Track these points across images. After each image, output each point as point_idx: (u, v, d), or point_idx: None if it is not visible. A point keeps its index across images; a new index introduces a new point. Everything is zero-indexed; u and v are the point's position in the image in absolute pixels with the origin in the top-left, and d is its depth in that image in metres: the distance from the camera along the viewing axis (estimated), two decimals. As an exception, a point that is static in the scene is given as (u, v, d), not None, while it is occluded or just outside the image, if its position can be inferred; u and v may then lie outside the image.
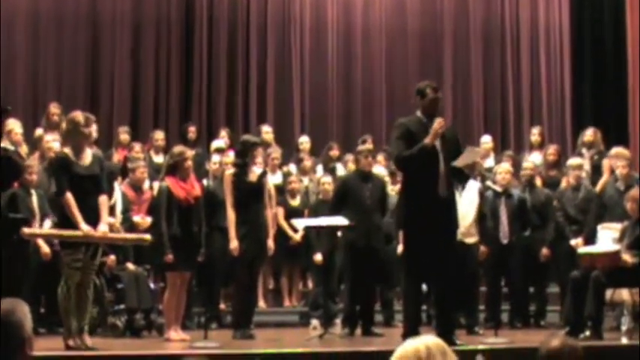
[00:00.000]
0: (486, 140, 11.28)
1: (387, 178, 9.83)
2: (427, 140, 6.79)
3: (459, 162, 6.81)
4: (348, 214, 8.12)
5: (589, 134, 10.40)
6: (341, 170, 10.51)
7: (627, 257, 7.61)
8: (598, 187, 9.59)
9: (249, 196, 7.91)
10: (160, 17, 12.79)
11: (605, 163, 9.96)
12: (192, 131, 11.18)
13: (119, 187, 8.95)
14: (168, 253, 7.57)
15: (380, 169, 9.97)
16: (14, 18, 12.06)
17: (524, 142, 12.95)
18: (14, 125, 9.13)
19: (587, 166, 10.02)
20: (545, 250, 9.28)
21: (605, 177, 9.87)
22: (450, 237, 7.05)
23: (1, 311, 2.67)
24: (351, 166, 10.05)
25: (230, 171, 8.16)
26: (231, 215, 7.89)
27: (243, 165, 8.04)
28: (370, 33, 13.55)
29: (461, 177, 7.13)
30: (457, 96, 13.78)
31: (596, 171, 9.98)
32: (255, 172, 8.09)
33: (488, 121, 13.81)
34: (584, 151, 10.28)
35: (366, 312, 8.47)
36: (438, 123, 6.81)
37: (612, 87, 13.33)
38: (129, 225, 8.64)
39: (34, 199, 8.24)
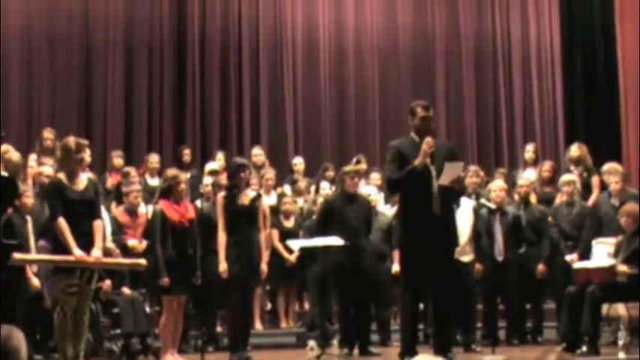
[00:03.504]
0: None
1: (377, 198, 9.83)
2: (416, 162, 6.80)
3: (443, 180, 6.80)
4: (333, 235, 8.11)
5: (574, 149, 10.43)
6: (327, 189, 10.47)
7: (624, 268, 7.61)
8: (590, 204, 9.61)
9: (241, 218, 7.90)
10: (152, 41, 12.82)
11: (595, 180, 9.99)
12: (186, 154, 11.21)
13: (107, 211, 8.90)
14: (164, 277, 7.56)
15: (371, 189, 9.97)
16: (7, 42, 12.07)
17: (517, 159, 12.98)
18: (13, 154, 9.08)
19: (577, 184, 10.02)
20: (541, 266, 9.28)
21: (595, 193, 9.89)
22: (447, 255, 7.04)
23: (-1, 338, 2.67)
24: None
25: (222, 193, 8.16)
26: (221, 238, 7.88)
27: (232, 187, 8.05)
28: (362, 53, 13.61)
29: (452, 195, 7.11)
30: (450, 114, 13.84)
31: (586, 187, 9.97)
32: (249, 195, 8.08)
33: (481, 139, 13.86)
34: (572, 167, 10.28)
35: (362, 332, 8.46)
36: (426, 144, 6.81)
37: (604, 103, 13.38)
38: (120, 248, 8.63)
39: (29, 225, 8.22)
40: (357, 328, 8.45)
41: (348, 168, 8.89)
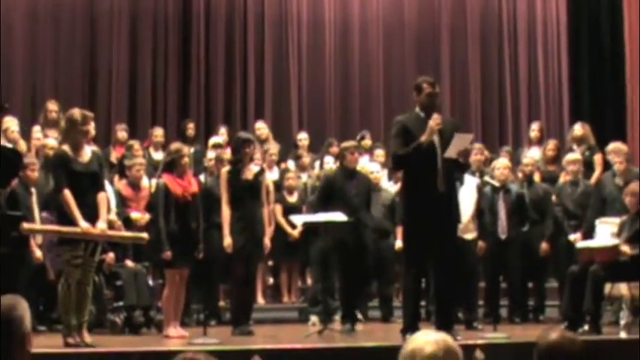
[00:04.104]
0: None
1: (380, 174, 9.83)
2: (423, 138, 6.78)
3: (451, 151, 6.78)
4: (334, 211, 8.12)
5: (577, 129, 10.38)
6: (331, 163, 10.47)
7: (626, 248, 7.62)
8: (592, 182, 9.59)
9: (245, 193, 7.91)
10: (157, 14, 12.78)
11: (597, 158, 9.97)
12: (190, 128, 11.19)
13: (110, 184, 8.91)
14: (167, 250, 7.58)
15: (375, 165, 9.96)
16: (12, 15, 12.04)
17: (521, 138, 12.95)
18: (10, 123, 9.13)
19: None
20: (544, 245, 9.27)
21: (597, 172, 9.87)
22: (450, 233, 7.05)
23: (3, 307, 2.67)
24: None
25: (226, 168, 8.17)
26: (225, 212, 7.90)
27: (236, 162, 8.05)
28: (367, 28, 13.55)
29: (456, 168, 7.08)
30: (454, 91, 13.78)
31: (588, 166, 9.95)
32: (252, 169, 8.09)
33: (486, 117, 13.81)
34: (574, 147, 10.26)
35: (351, 300, 8.49)
36: (433, 120, 6.80)
37: (610, 81, 13.33)
38: (123, 221, 8.65)
39: (34, 198, 8.23)
40: (345, 299, 8.49)
41: (348, 143, 8.87)
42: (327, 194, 8.46)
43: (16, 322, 2.67)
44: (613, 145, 9.44)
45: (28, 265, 8.08)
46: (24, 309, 2.71)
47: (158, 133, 10.88)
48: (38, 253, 8.15)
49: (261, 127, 11.27)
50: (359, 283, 8.59)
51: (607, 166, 9.59)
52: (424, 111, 6.97)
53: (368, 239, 8.58)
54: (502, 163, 9.40)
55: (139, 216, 8.91)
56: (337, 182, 8.49)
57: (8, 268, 7.37)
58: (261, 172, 8.25)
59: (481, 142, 10.66)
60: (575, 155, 9.68)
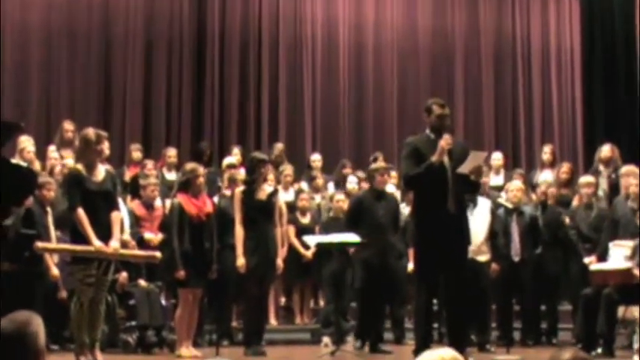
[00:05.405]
0: (497, 157, 11.29)
1: (398, 195, 9.85)
2: (434, 158, 6.79)
3: (464, 167, 6.78)
4: (362, 232, 8.15)
5: (606, 150, 10.32)
6: (353, 183, 10.48)
7: (638, 272, 7.58)
8: None
9: (258, 213, 7.93)
10: (172, 35, 12.86)
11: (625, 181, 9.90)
12: (206, 155, 11.18)
13: (124, 204, 8.94)
14: (180, 270, 7.59)
15: (388, 187, 9.97)
16: (28, 35, 12.14)
17: (535, 160, 12.94)
18: (27, 143, 9.18)
19: (604, 184, 9.93)
20: None
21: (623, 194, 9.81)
22: (461, 254, 7.03)
23: (18, 323, 2.69)
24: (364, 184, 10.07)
25: (240, 188, 8.19)
26: (239, 232, 7.92)
27: (251, 182, 8.07)
28: (381, 51, 13.61)
29: (469, 185, 7.07)
30: (468, 114, 13.81)
31: (614, 189, 9.86)
32: (266, 190, 8.11)
33: (500, 139, 13.82)
34: (601, 168, 10.18)
35: (375, 329, 8.47)
36: (444, 140, 6.81)
37: (623, 105, 13.31)
38: (136, 241, 8.67)
39: (50, 217, 8.25)
40: (371, 325, 8.47)
41: (378, 165, 8.93)
42: (357, 215, 8.49)
43: (31, 338, 2.68)
44: (626, 168, 9.40)
45: (43, 282, 8.10)
46: (38, 325, 2.72)
47: (171, 153, 10.91)
48: (55, 271, 8.16)
49: (280, 150, 11.29)
50: (378, 304, 8.58)
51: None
52: (434, 132, 6.98)
53: (393, 261, 8.59)
54: (515, 185, 9.39)
55: (152, 236, 8.93)
56: (366, 203, 8.53)
57: (23, 285, 7.40)
58: (275, 192, 8.26)
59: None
60: (589, 178, 9.64)
